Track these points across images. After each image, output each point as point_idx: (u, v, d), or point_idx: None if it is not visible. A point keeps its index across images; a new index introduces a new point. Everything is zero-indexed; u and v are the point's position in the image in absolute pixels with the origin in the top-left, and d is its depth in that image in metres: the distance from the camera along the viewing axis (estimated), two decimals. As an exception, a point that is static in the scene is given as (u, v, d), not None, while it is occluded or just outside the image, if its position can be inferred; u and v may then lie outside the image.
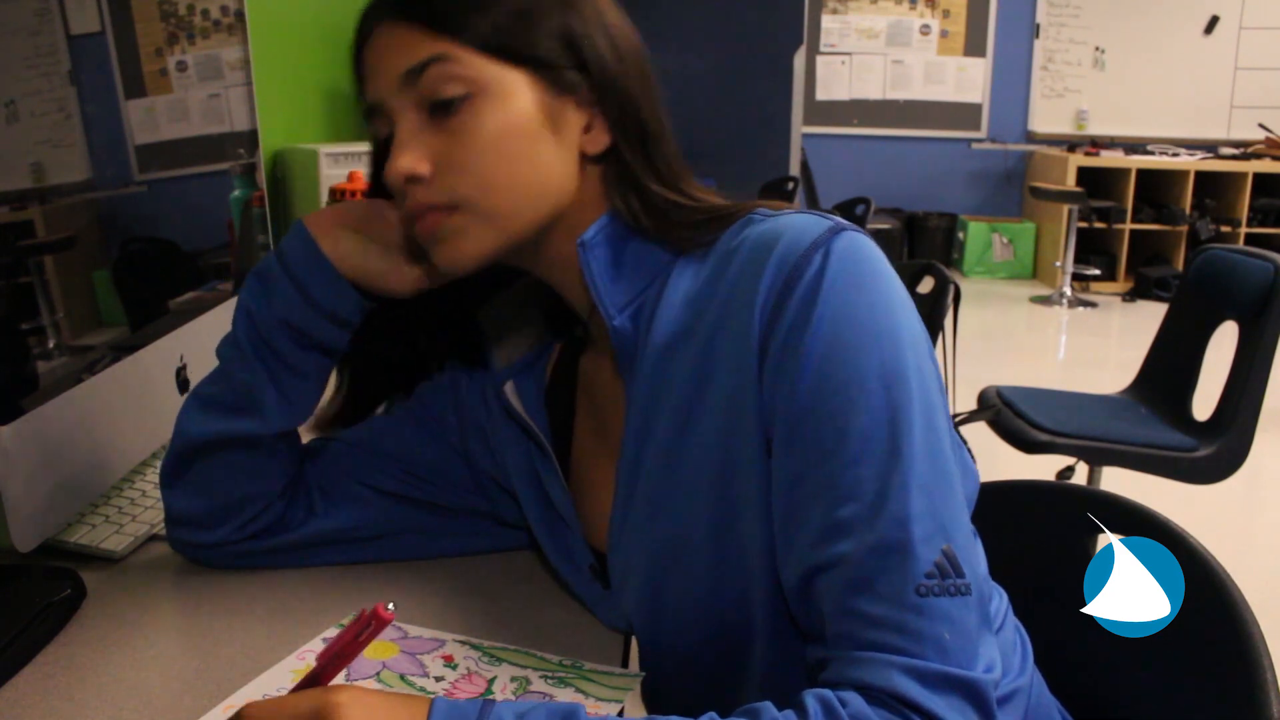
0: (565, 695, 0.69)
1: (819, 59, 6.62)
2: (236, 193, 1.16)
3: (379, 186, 0.78)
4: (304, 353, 0.79)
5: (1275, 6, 6.34)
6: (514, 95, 0.69)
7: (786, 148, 5.36)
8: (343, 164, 1.57)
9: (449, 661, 0.73)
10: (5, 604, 0.74)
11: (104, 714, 0.66)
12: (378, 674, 0.70)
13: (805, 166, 5.39)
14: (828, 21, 6.61)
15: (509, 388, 0.81)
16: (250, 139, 1.19)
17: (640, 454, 0.71)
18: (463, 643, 0.75)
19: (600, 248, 0.72)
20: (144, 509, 0.92)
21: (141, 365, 0.93)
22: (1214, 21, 6.39)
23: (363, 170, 1.44)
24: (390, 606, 0.55)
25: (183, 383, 1.01)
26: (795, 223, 0.66)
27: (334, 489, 0.86)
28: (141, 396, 0.94)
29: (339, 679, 0.65)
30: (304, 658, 0.72)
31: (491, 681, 0.71)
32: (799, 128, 5.30)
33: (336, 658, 0.57)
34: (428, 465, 0.87)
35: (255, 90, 1.20)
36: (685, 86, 5.20)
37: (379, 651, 0.73)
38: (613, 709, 0.69)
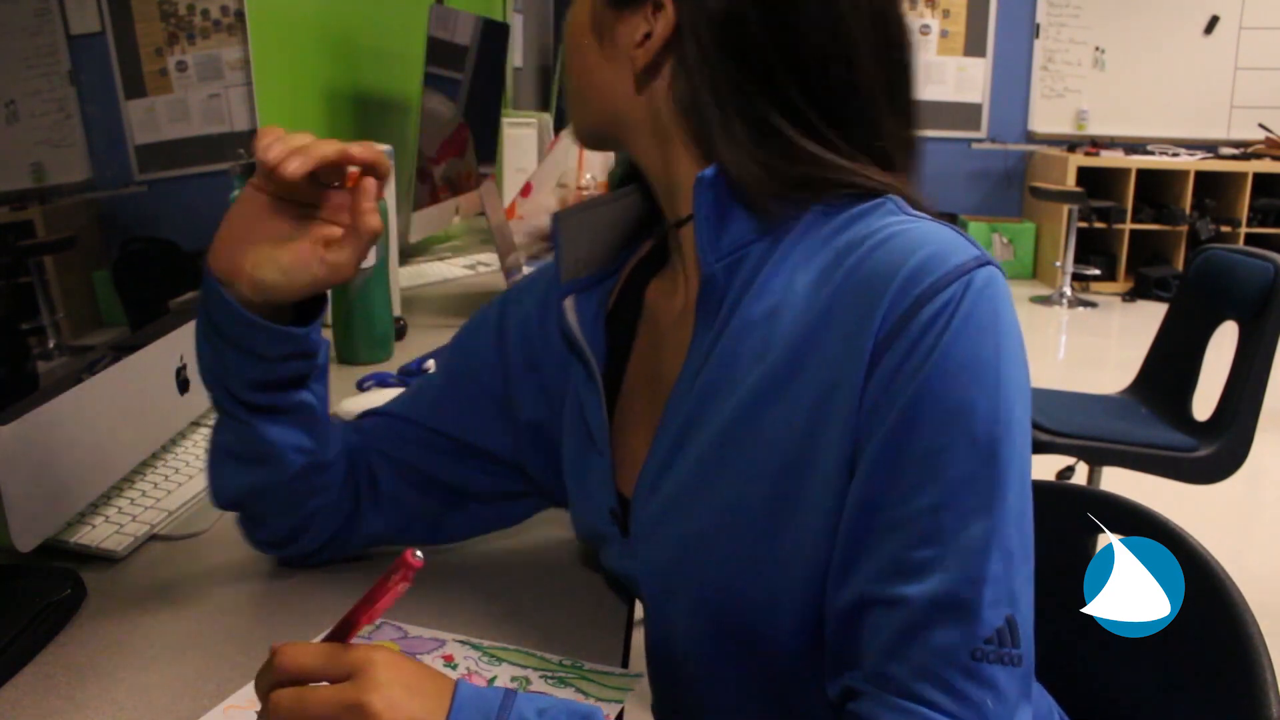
0: (565, 695, 0.70)
1: (819, 59, 6.62)
2: (236, 193, 1.15)
3: None
4: (291, 392, 0.77)
5: (1275, 6, 6.34)
6: (580, 1, 0.73)
7: (786, 148, 5.35)
8: (343, 164, 1.57)
9: (449, 661, 0.73)
10: (5, 604, 0.74)
11: (104, 714, 0.66)
12: None
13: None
14: (828, 21, 6.61)
15: (568, 303, 0.78)
16: (250, 139, 1.19)
17: (700, 412, 0.68)
18: (463, 642, 0.75)
19: (716, 188, 0.67)
20: (144, 509, 0.92)
21: (141, 365, 0.93)
22: (1214, 21, 6.39)
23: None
24: (418, 554, 0.55)
25: (183, 383, 1.01)
26: (940, 237, 0.62)
27: (375, 486, 0.85)
28: (141, 396, 0.94)
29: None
30: None
31: (491, 681, 0.71)
32: (799, 128, 5.29)
33: (366, 603, 0.57)
34: (463, 426, 0.85)
35: (255, 90, 1.20)
36: (685, 86, 5.15)
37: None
38: (613, 709, 0.69)
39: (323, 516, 0.82)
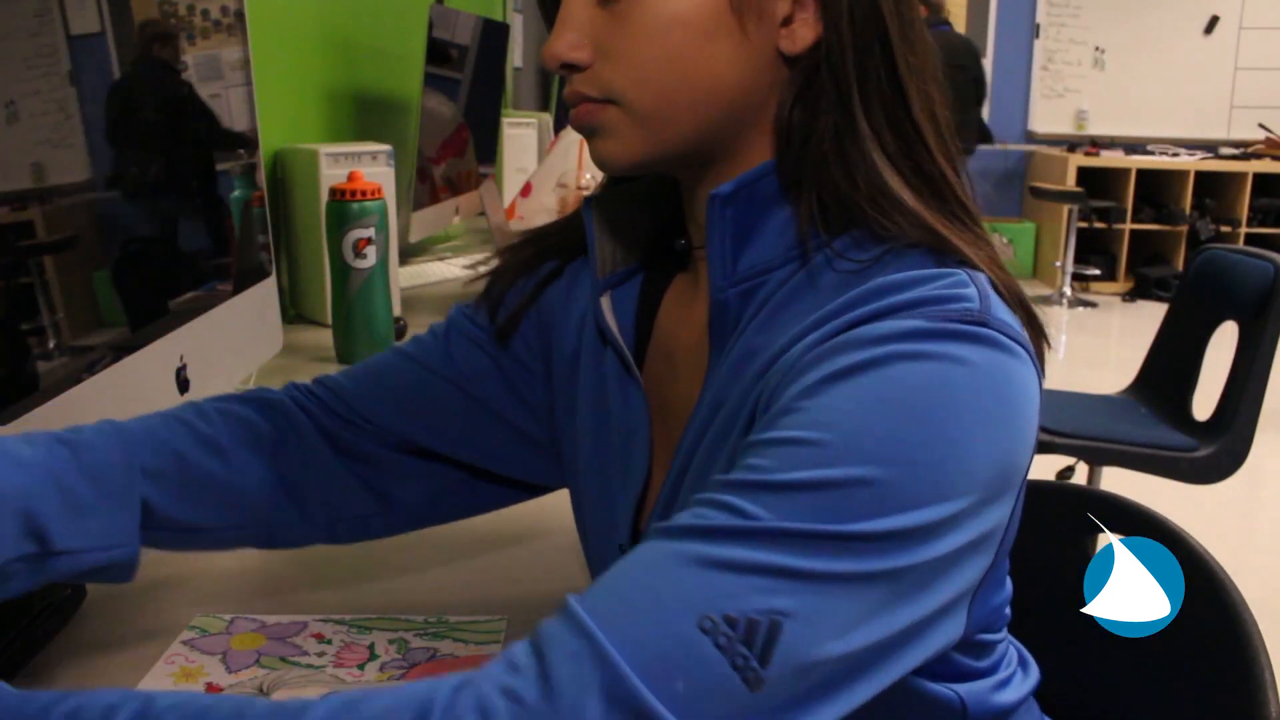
0: (444, 647, 0.73)
1: (819, 59, 6.63)
2: (236, 193, 1.16)
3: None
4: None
5: (1275, 6, 6.34)
6: None
7: (786, 148, 5.34)
8: (343, 164, 1.57)
9: (322, 639, 0.75)
10: (5, 604, 0.74)
11: (104, 714, 0.66)
12: (258, 660, 0.72)
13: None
14: (828, 21, 6.62)
15: (606, 303, 0.69)
16: (250, 139, 1.19)
17: (700, 449, 0.62)
18: (324, 620, 0.77)
19: (739, 206, 0.60)
20: (144, 509, 0.92)
21: (141, 365, 0.93)
22: (1214, 21, 6.40)
23: (362, 171, 1.44)
24: None
25: (183, 383, 1.01)
26: (949, 282, 0.53)
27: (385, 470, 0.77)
28: (141, 396, 0.94)
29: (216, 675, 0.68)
30: (172, 662, 0.72)
31: (371, 647, 0.73)
32: (799, 128, 5.28)
33: None
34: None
35: (255, 90, 1.20)
36: (685, 86, 5.15)
37: (247, 643, 0.74)
38: (495, 649, 0.73)
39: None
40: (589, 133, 0.62)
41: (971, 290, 0.53)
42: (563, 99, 0.66)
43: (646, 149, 0.61)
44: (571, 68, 0.61)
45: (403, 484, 0.77)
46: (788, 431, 0.49)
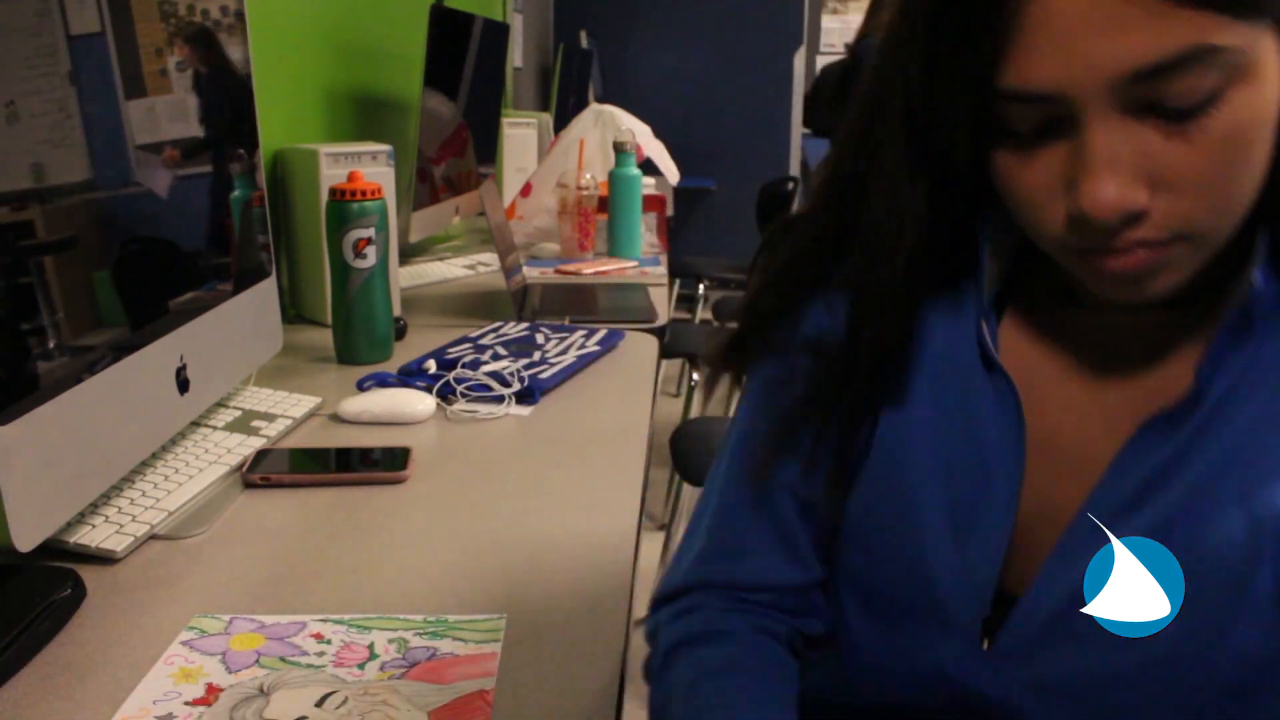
0: (444, 646, 0.74)
1: (819, 59, 6.62)
2: (236, 193, 1.16)
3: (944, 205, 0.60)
4: None
5: (1275, 6, 6.34)
6: (1266, 70, 0.48)
7: (786, 148, 5.37)
8: (343, 164, 1.57)
9: (320, 639, 0.75)
10: (5, 604, 0.74)
11: (104, 714, 0.66)
12: (257, 660, 0.72)
13: (805, 166, 5.40)
14: (827, 21, 6.61)
15: (985, 327, 0.62)
16: (250, 139, 1.19)
17: (1190, 509, 0.56)
18: (323, 620, 0.77)
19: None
20: (144, 509, 0.92)
21: (141, 365, 0.93)
22: (1214, 21, 6.40)
23: (362, 171, 1.44)
24: None
25: (183, 383, 1.01)
26: None
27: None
28: (141, 396, 0.94)
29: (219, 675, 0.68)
30: (171, 662, 0.72)
31: (371, 646, 0.74)
32: (799, 128, 5.31)
33: None
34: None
35: (255, 90, 1.20)
36: (685, 86, 5.20)
37: (246, 643, 0.74)
38: (495, 648, 0.73)
39: None
40: (1137, 277, 0.52)
41: None
42: (1075, 246, 0.53)
43: (1195, 270, 0.53)
44: (1134, 217, 0.50)
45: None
46: None
